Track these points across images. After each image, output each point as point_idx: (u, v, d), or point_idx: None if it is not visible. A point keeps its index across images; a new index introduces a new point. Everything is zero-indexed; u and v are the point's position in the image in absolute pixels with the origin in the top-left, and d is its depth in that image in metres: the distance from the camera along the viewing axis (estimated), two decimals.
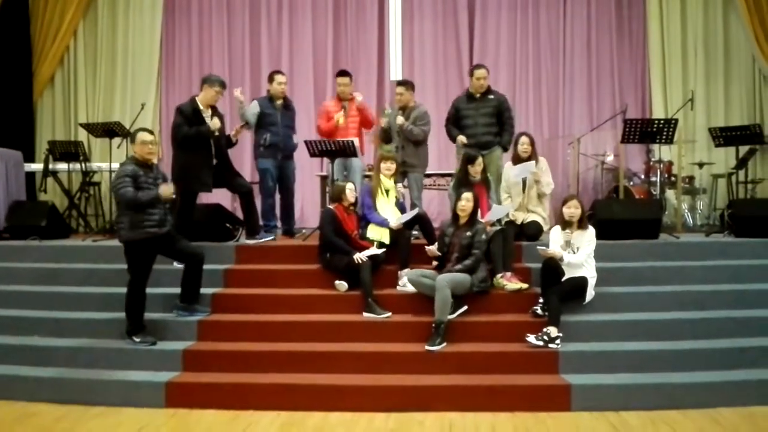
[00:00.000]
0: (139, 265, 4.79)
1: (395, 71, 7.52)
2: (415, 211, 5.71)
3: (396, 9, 7.55)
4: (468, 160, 5.72)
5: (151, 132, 4.94)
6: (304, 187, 7.50)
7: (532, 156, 5.99)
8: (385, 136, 6.54)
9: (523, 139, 6.06)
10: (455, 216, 5.25)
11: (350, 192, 5.64)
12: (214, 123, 5.73)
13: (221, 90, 5.83)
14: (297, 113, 6.97)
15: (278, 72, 6.71)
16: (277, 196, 6.73)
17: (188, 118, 5.68)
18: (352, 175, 6.65)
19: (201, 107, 5.76)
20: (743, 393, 4.34)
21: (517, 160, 6.06)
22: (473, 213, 5.20)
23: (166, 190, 4.76)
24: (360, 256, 5.25)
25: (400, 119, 6.29)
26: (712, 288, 5.29)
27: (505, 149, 6.45)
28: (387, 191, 5.78)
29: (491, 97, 6.42)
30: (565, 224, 5.08)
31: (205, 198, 7.80)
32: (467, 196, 5.17)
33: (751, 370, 4.51)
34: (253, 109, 6.54)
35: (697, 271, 5.49)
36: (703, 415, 4.16)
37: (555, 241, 5.10)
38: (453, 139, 6.53)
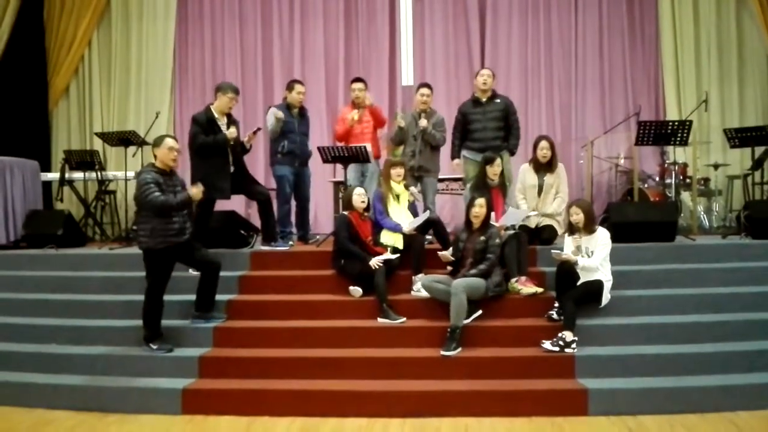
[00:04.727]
0: (157, 272, 4.81)
1: (407, 76, 7.54)
2: (427, 214, 5.70)
3: (407, 14, 7.57)
4: (486, 161, 5.72)
5: (176, 139, 4.98)
6: (316, 193, 7.51)
7: (553, 161, 5.86)
8: (400, 139, 6.42)
9: (543, 143, 5.85)
10: (468, 221, 5.24)
11: (357, 198, 5.57)
12: (230, 132, 5.77)
13: (235, 96, 5.86)
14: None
15: (298, 81, 6.72)
16: (293, 203, 6.75)
17: (203, 127, 5.72)
18: (369, 180, 6.65)
19: (216, 115, 5.81)
20: (762, 396, 4.28)
21: (536, 163, 5.91)
22: (486, 218, 5.19)
23: (198, 191, 4.85)
24: (376, 261, 5.24)
25: (423, 122, 6.22)
26: (729, 290, 5.24)
27: (512, 153, 6.41)
28: (398, 196, 5.78)
29: (498, 101, 6.37)
30: (573, 230, 5.07)
31: (219, 205, 7.86)
32: (480, 202, 5.15)
33: None
34: (273, 116, 6.47)
35: (713, 274, 5.44)
36: (722, 418, 4.13)
37: (567, 246, 5.09)
38: (454, 152, 6.44)
